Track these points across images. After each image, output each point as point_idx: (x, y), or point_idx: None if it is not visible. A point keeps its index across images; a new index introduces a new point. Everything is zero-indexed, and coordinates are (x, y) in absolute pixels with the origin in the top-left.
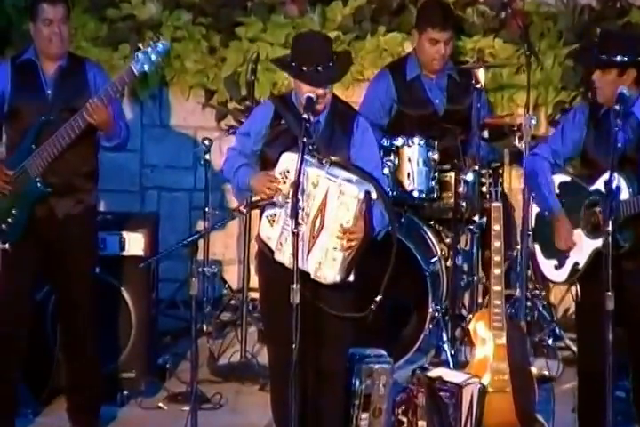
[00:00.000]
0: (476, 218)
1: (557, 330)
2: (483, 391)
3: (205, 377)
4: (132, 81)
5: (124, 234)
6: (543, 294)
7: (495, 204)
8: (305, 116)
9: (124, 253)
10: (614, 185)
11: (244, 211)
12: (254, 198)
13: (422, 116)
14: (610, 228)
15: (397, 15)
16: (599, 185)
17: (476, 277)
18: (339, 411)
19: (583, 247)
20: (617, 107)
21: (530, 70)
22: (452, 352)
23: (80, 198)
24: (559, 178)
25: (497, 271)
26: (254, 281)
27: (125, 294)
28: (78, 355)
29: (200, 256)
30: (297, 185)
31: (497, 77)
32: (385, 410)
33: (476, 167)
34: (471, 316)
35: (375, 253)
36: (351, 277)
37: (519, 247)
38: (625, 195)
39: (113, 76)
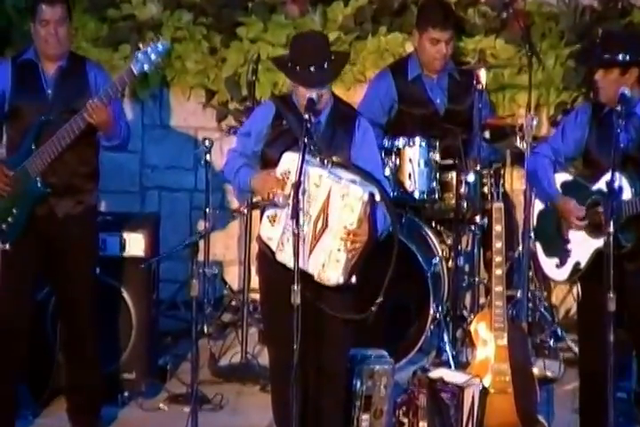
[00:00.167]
0: (478, 219)
1: (559, 331)
2: (484, 392)
3: (206, 378)
4: (132, 81)
5: (125, 235)
6: (544, 294)
7: (496, 204)
8: (306, 116)
9: (125, 254)
10: (617, 185)
11: (245, 211)
12: (255, 199)
13: (423, 116)
14: (611, 229)
15: (398, 15)
16: (601, 185)
17: (477, 278)
18: (339, 412)
19: (585, 247)
20: (619, 108)
21: (531, 71)
22: (454, 353)
23: (80, 199)
24: (561, 177)
25: (498, 272)
26: (255, 282)
27: (126, 294)
28: (78, 356)
29: (201, 257)
30: (298, 185)
31: (498, 78)
32: (386, 411)
33: (478, 168)
34: (472, 317)
35: (376, 254)
36: (354, 280)
37: (520, 248)
38: (627, 195)
39: (113, 76)
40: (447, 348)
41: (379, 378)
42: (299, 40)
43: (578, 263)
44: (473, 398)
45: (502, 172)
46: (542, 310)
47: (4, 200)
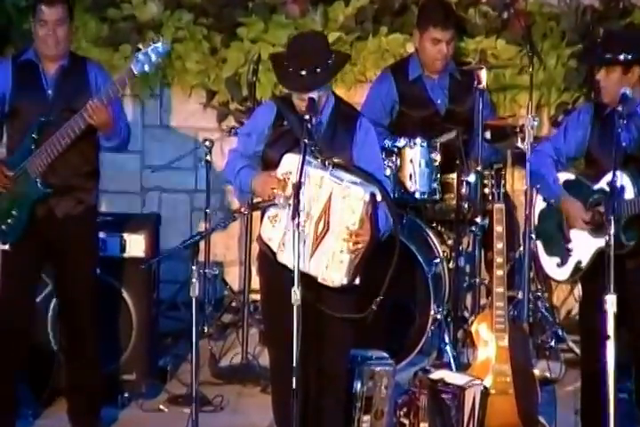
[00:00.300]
0: (479, 219)
1: (560, 332)
2: (485, 393)
3: (206, 379)
4: (132, 81)
5: (125, 235)
6: (546, 295)
7: (497, 205)
8: (306, 116)
9: (125, 255)
10: (619, 184)
11: (246, 212)
12: (255, 200)
13: (424, 116)
14: (612, 229)
15: (399, 16)
16: (603, 184)
17: (478, 279)
18: (340, 413)
19: (586, 246)
20: (620, 108)
21: (532, 71)
22: (454, 354)
23: (80, 199)
24: (564, 176)
25: (499, 273)
26: (255, 282)
27: (126, 295)
28: (78, 356)
29: (201, 258)
30: (298, 186)
31: (499, 78)
32: (387, 412)
33: (479, 168)
34: (473, 318)
35: (377, 254)
36: (357, 281)
37: (522, 249)
38: (630, 194)
39: (114, 76)
40: (448, 349)
41: (379, 379)
42: (296, 41)
43: (579, 262)
44: (474, 399)
45: (503, 172)
46: (543, 310)
47: (4, 200)
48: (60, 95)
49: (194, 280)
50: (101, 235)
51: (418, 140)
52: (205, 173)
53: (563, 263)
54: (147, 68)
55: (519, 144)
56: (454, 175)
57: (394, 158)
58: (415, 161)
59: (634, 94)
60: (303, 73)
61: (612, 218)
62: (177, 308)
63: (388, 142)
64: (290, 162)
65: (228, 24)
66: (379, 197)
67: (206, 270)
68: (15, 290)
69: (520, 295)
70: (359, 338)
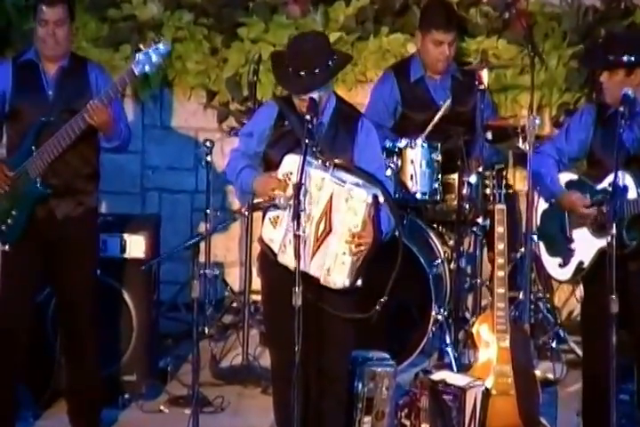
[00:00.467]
0: (480, 220)
1: (561, 333)
2: (486, 394)
3: (207, 380)
4: (133, 82)
5: (125, 236)
6: (547, 296)
7: (499, 206)
8: (308, 117)
9: (125, 256)
10: (621, 184)
11: (246, 213)
12: (256, 200)
13: (426, 117)
14: (614, 230)
15: (400, 16)
16: (606, 184)
17: (479, 280)
18: (341, 414)
19: (588, 246)
20: (622, 108)
21: (534, 71)
22: (456, 355)
23: (80, 200)
24: (566, 176)
25: (500, 274)
26: (256, 283)
27: (126, 296)
28: (79, 357)
29: (202, 258)
30: (299, 187)
31: (501, 78)
32: (388, 413)
33: (480, 169)
34: (474, 318)
35: (378, 255)
36: (359, 282)
37: (523, 249)
38: (633, 194)
39: (114, 76)
40: (449, 350)
41: (380, 380)
42: (296, 42)
43: (581, 263)
44: (475, 400)
45: (505, 173)
46: (545, 311)
47: (4, 201)
48: (61, 96)
49: (194, 281)
50: (102, 235)
51: (419, 141)
52: (206, 174)
53: (565, 264)
54: (147, 68)
55: (520, 145)
56: (455, 176)
57: (395, 159)
58: (416, 162)
59: (636, 95)
60: (302, 74)
61: (615, 218)
62: (177, 309)
63: (388, 143)
64: (291, 162)
65: (229, 24)
66: (381, 199)
67: (207, 271)
68: (15, 290)
69: (521, 296)
70: (360, 339)
